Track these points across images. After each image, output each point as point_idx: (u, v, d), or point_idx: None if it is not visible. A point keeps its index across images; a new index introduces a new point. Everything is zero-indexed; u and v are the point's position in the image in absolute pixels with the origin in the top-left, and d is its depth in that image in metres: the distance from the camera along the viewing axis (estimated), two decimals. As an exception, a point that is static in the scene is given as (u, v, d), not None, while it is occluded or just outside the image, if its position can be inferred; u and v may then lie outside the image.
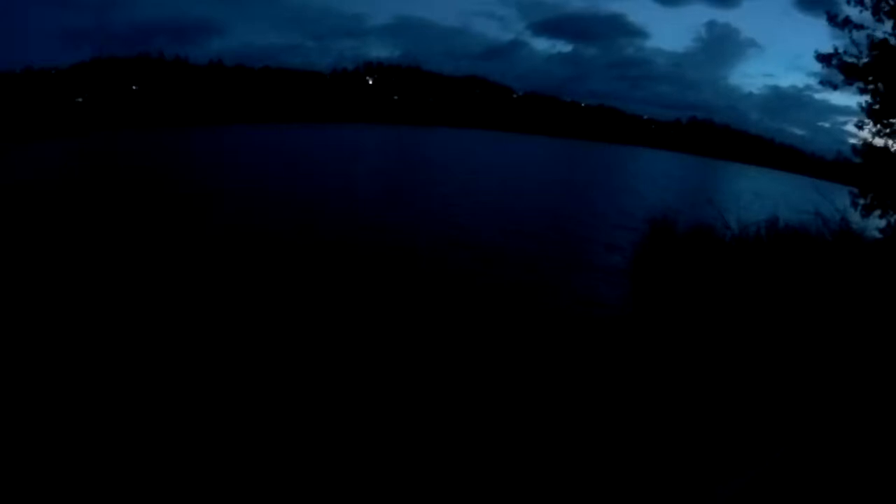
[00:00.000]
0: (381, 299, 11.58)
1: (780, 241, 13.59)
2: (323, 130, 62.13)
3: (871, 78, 16.11)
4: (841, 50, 16.29)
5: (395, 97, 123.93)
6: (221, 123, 55.84)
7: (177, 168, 27.75)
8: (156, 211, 17.19)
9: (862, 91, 16.38)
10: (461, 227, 18.86)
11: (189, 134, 43.02)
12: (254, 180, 24.53)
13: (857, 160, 17.16)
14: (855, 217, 15.79)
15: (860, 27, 15.83)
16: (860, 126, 16.83)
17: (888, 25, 15.61)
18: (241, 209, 18.74)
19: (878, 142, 16.61)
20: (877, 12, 15.68)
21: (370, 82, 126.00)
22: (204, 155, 34.34)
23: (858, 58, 15.96)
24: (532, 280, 14.07)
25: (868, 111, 16.28)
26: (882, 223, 15.70)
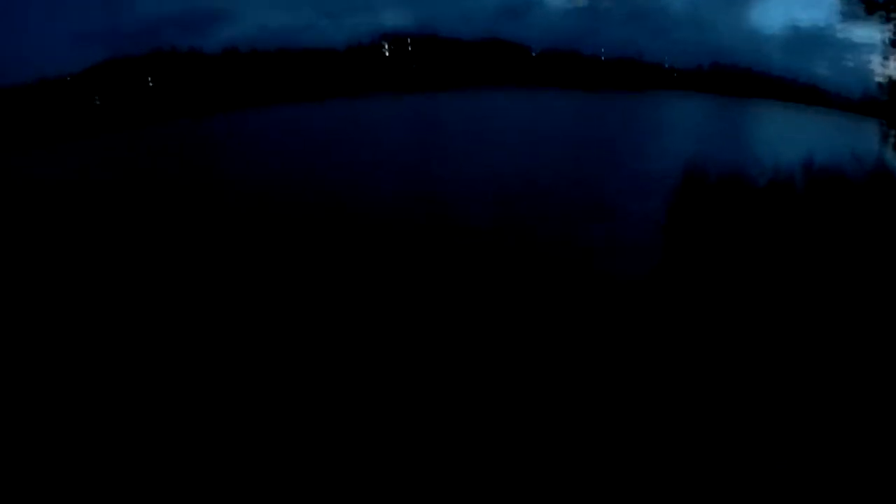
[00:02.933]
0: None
1: (815, 185, 13.22)
2: (344, 106, 62.15)
3: (893, 7, 15.64)
4: (861, -19, 15.84)
5: (413, 65, 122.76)
6: (243, 107, 56.11)
7: (205, 158, 28.12)
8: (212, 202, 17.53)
9: (886, 20, 15.93)
10: (491, 184, 18.97)
11: (213, 122, 43.29)
12: (293, 161, 24.87)
13: (885, 97, 16.73)
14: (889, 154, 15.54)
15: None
16: (885, 60, 16.40)
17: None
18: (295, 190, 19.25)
19: (904, 74, 16.23)
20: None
21: (386, 53, 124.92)
22: (235, 141, 34.59)
23: (878, -13, 15.49)
24: (563, 231, 14.30)
25: (892, 43, 15.82)
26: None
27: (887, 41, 15.21)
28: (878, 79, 16.66)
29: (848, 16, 16.53)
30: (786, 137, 32.72)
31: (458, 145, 31.91)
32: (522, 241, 12.81)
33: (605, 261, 11.70)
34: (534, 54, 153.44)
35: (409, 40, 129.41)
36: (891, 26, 15.33)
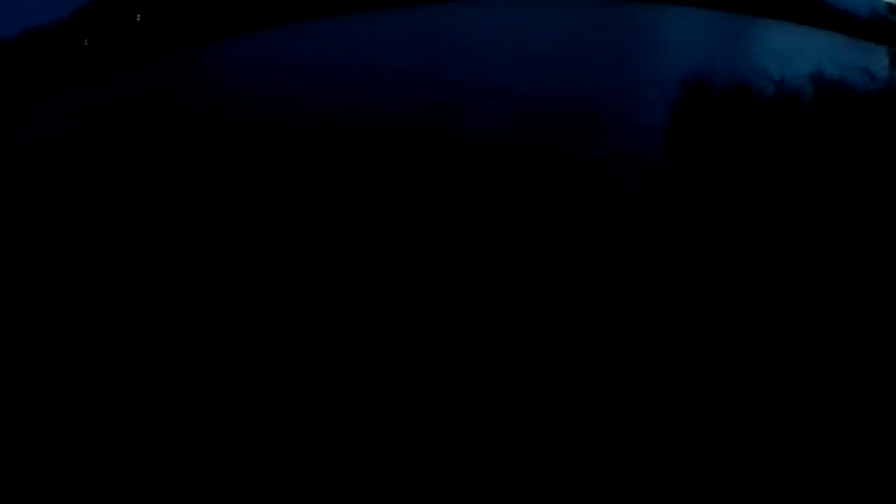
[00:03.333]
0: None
1: (825, 98, 12.95)
2: (345, 21, 60.13)
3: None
4: None
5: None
6: (242, 32, 53.74)
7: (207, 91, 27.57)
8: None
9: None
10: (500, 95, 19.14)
11: (209, 51, 41.74)
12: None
13: (894, 18, 16.73)
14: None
15: None
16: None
17: None
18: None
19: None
20: None
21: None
22: (236, 67, 33.87)
23: None
24: (566, 144, 14.45)
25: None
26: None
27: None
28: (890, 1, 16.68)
29: None
30: (791, 56, 32.84)
31: (459, 58, 31.68)
32: (526, 154, 13.19)
33: (608, 173, 12.01)
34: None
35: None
36: None
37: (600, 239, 8.83)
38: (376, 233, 9.21)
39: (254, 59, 34.25)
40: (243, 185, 11.86)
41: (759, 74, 14.21)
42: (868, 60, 13.77)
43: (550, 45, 36.47)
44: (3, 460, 5.11)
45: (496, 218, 9.56)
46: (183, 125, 18.24)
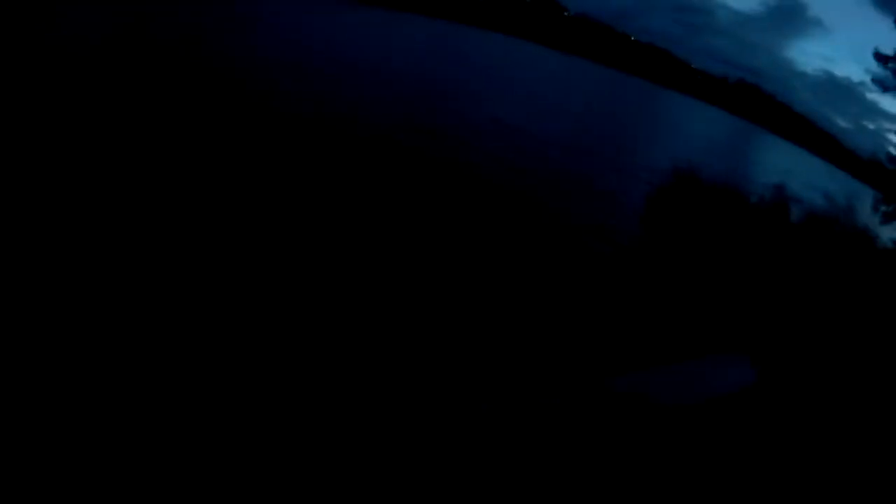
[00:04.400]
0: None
1: (789, 209, 13.50)
2: (370, 14, 59.97)
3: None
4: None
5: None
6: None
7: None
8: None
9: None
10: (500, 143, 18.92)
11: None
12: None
13: (891, 167, 16.80)
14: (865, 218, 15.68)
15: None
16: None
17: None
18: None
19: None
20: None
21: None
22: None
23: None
24: (557, 200, 14.18)
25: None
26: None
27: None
28: (892, 150, 16.77)
29: (880, 83, 16.46)
30: (785, 170, 32.99)
31: (478, 82, 31.22)
32: (514, 197, 12.71)
33: (590, 236, 11.93)
34: (566, 14, 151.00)
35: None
36: None
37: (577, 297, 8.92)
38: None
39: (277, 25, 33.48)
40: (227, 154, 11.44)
41: (746, 179, 14.02)
42: (854, 197, 13.61)
43: (563, 97, 36.28)
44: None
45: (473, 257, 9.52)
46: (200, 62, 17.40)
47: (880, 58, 15.70)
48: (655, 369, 6.72)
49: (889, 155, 16.82)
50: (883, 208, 15.89)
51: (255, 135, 12.58)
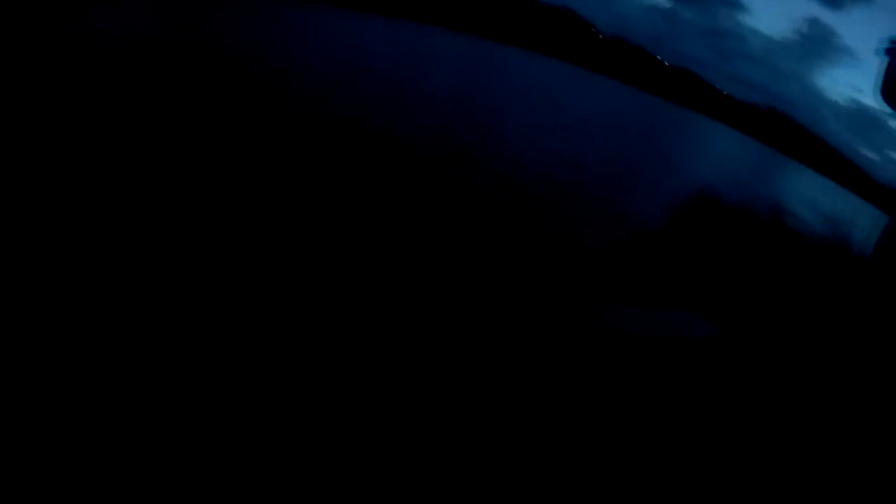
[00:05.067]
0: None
1: (807, 236, 13.13)
2: (402, 28, 59.96)
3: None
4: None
5: (480, 8, 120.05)
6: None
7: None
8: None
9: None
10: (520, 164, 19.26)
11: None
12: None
13: None
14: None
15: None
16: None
17: None
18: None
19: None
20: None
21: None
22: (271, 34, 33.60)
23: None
24: (571, 227, 14.48)
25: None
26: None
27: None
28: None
29: None
30: (817, 202, 32.96)
31: (506, 103, 31.60)
32: (528, 216, 13.01)
33: (602, 262, 12.20)
34: (601, 37, 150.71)
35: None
36: None
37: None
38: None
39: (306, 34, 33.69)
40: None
41: (767, 206, 14.19)
42: (873, 229, 13.75)
43: (592, 121, 35.94)
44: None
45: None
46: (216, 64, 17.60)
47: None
48: (630, 309, 7.44)
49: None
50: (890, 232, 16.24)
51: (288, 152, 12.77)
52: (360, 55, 33.15)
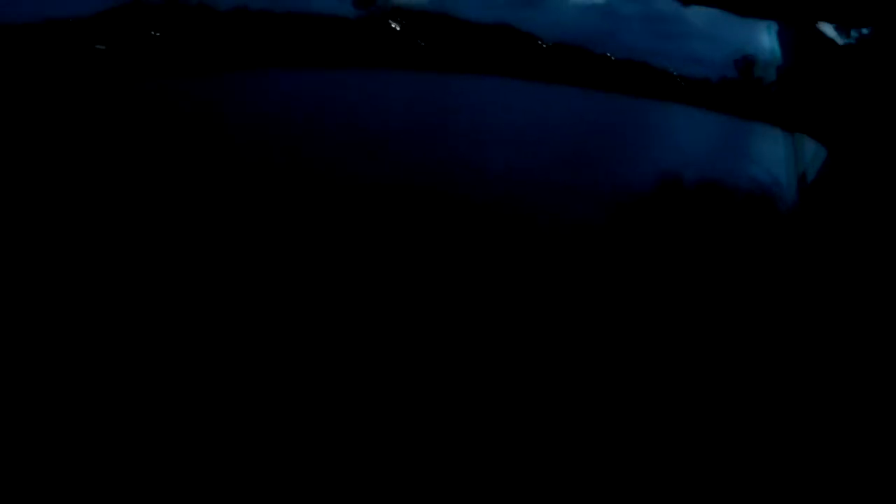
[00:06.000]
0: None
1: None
2: (349, 75, 62.10)
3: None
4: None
5: (421, 42, 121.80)
6: (250, 67, 55.83)
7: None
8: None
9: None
10: None
11: (217, 80, 42.80)
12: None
13: None
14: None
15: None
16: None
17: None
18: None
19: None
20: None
21: (396, 28, 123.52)
22: (236, 101, 34.56)
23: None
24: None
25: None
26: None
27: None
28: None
29: None
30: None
31: (459, 130, 32.42)
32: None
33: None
34: (544, 46, 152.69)
35: (419, 16, 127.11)
36: None
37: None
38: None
39: (252, 94, 35.06)
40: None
41: (746, 179, 14.93)
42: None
43: (543, 131, 37.48)
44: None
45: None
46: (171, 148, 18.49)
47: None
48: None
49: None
50: None
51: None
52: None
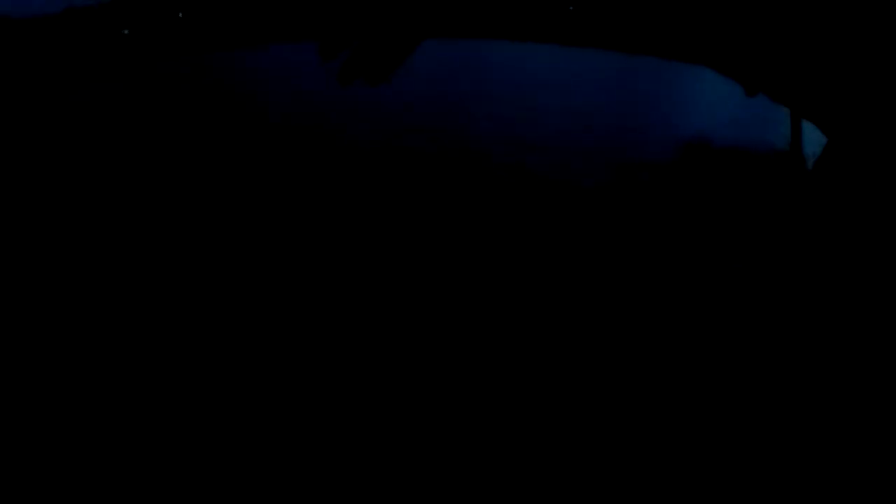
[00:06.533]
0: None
1: None
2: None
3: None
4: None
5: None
6: (275, 41, 54.25)
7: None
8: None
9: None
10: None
11: (242, 56, 41.91)
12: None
13: None
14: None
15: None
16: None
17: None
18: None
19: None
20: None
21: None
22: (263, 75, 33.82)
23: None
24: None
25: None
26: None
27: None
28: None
29: None
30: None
31: (485, 95, 31.35)
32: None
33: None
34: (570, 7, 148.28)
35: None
36: None
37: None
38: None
39: (281, 68, 34.03)
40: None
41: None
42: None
43: (571, 97, 35.90)
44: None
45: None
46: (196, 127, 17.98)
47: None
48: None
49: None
50: None
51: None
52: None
